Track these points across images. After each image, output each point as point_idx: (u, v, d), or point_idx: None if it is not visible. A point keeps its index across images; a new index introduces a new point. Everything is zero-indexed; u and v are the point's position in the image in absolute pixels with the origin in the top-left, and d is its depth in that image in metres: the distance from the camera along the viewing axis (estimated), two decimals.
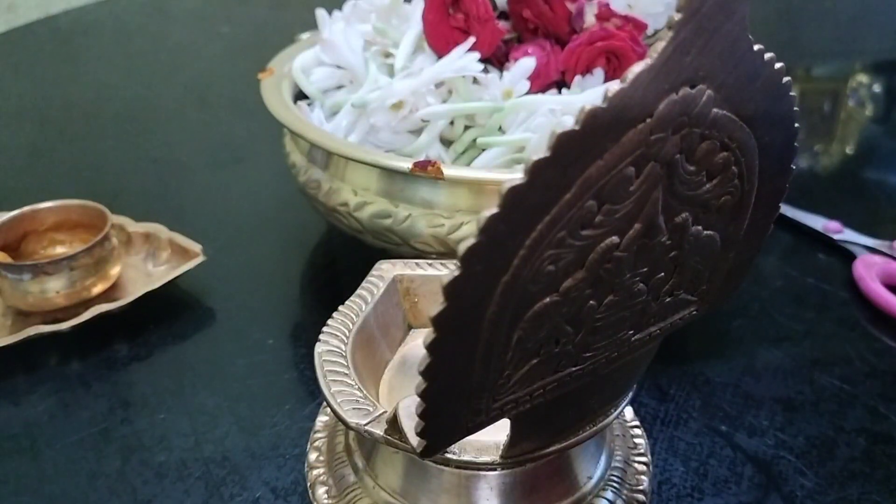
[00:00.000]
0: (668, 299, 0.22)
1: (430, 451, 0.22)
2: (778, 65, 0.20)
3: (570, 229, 0.18)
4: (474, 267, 0.17)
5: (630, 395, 0.26)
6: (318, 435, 0.30)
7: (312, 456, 0.29)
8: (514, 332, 0.19)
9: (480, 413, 0.21)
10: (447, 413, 0.20)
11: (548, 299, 0.19)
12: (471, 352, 0.19)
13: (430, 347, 0.18)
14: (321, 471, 0.29)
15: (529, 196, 0.17)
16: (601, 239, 0.19)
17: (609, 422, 0.25)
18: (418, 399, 0.19)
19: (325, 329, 0.28)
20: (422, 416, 0.20)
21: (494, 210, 0.17)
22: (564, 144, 0.16)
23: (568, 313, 0.20)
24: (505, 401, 0.21)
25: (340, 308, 0.29)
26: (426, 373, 0.19)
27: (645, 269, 0.21)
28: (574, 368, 0.22)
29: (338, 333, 0.28)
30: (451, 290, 0.17)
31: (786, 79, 0.20)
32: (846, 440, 0.34)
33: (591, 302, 0.20)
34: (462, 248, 0.17)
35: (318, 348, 0.27)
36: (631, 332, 0.22)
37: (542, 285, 0.19)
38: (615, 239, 0.19)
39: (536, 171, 0.17)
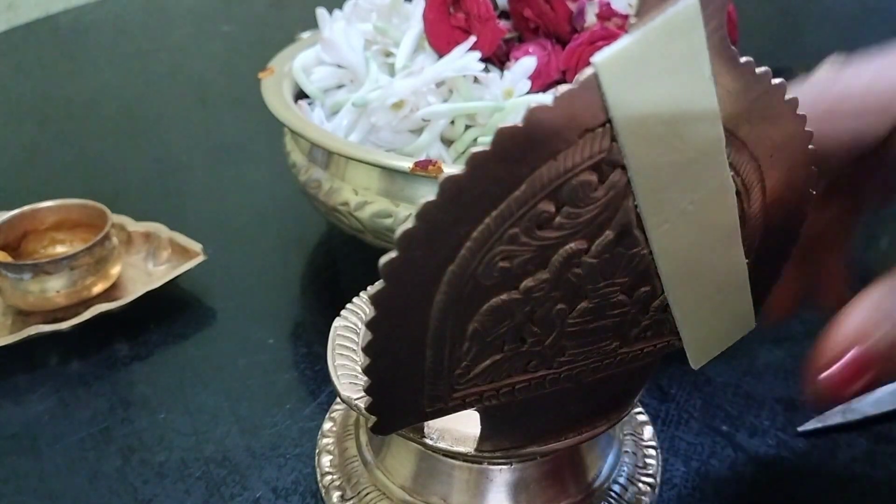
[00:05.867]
0: (661, 315, 0.22)
1: (383, 429, 0.22)
2: (776, 81, 0.20)
3: (523, 227, 0.18)
4: (413, 252, 0.17)
5: (626, 411, 0.25)
6: (326, 441, 0.30)
7: (325, 459, 0.30)
8: (469, 324, 0.19)
9: (440, 400, 0.21)
10: (398, 393, 0.21)
11: (505, 295, 0.19)
12: (418, 336, 0.19)
13: (370, 325, 0.19)
14: (334, 476, 0.29)
15: (470, 188, 0.17)
16: (564, 241, 0.19)
17: (597, 433, 0.25)
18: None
19: (348, 305, 0.29)
20: (368, 391, 0.20)
21: (432, 198, 0.17)
22: (508, 140, 0.17)
23: (533, 313, 0.20)
24: (467, 392, 0.21)
25: (369, 288, 0.29)
26: (367, 349, 0.19)
27: (624, 280, 0.20)
28: (549, 371, 0.22)
29: (359, 311, 0.29)
30: (388, 270, 0.18)
31: (789, 97, 0.20)
32: (847, 440, 0.34)
33: (561, 305, 0.20)
34: (399, 231, 0.17)
35: (336, 322, 0.28)
36: (616, 343, 0.22)
37: (496, 280, 0.19)
38: (582, 244, 0.19)
39: (477, 163, 0.17)
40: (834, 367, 0.20)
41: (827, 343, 0.20)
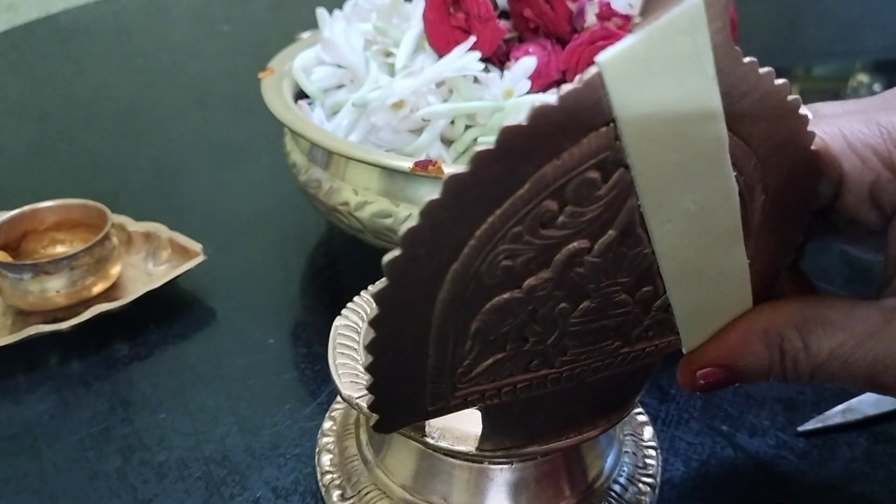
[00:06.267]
0: (662, 315, 0.22)
1: (385, 427, 0.22)
2: (779, 81, 0.19)
3: (527, 226, 0.18)
4: (416, 250, 0.17)
5: (627, 411, 0.26)
6: (327, 440, 0.30)
7: (325, 459, 0.30)
8: (472, 323, 0.19)
9: (442, 398, 0.21)
10: (401, 392, 0.21)
11: (508, 294, 0.19)
12: (421, 334, 0.19)
13: (374, 323, 0.19)
14: (334, 475, 0.29)
15: (474, 187, 0.17)
16: (567, 241, 0.19)
17: (598, 433, 0.25)
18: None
19: (349, 304, 0.29)
20: (370, 390, 0.20)
21: (436, 196, 0.17)
22: (511, 139, 0.17)
23: (535, 312, 0.20)
24: (469, 391, 0.21)
25: (370, 287, 0.29)
26: (370, 347, 0.19)
27: (626, 279, 0.20)
28: (550, 371, 0.22)
29: (359, 310, 0.29)
30: (391, 268, 0.18)
31: (791, 97, 0.20)
32: (847, 440, 0.34)
33: (563, 305, 0.20)
34: (403, 229, 0.17)
35: (337, 322, 0.28)
36: (617, 343, 0.22)
37: (499, 279, 0.19)
38: (585, 243, 0.19)
39: (481, 162, 0.17)
40: (704, 371, 0.24)
41: (714, 351, 0.24)
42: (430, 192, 0.17)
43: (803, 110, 0.20)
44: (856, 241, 0.26)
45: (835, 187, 0.22)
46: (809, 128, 0.21)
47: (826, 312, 0.22)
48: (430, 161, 0.35)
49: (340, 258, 0.48)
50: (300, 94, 0.44)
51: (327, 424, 0.31)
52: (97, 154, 0.60)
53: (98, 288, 0.41)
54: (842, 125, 0.22)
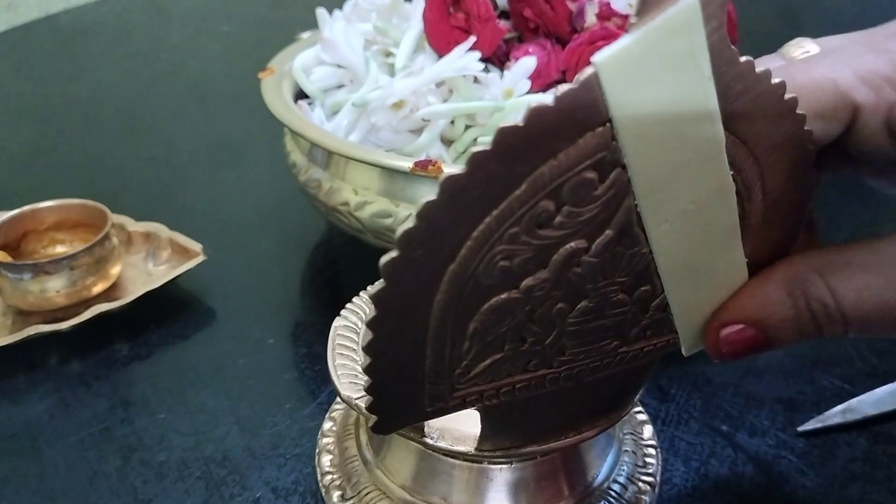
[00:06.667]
0: (660, 314, 0.22)
1: (384, 428, 0.22)
2: (776, 80, 0.19)
3: (524, 227, 0.18)
4: (413, 251, 0.17)
5: (626, 410, 0.26)
6: (327, 440, 0.30)
7: (325, 459, 0.30)
8: (470, 323, 0.19)
9: (440, 399, 0.21)
10: (399, 393, 0.21)
11: (505, 295, 0.19)
12: (419, 336, 0.19)
13: (371, 324, 0.19)
14: (334, 476, 0.29)
15: (470, 188, 0.17)
16: (564, 241, 0.19)
17: (597, 432, 0.25)
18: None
19: (348, 305, 0.29)
20: (369, 391, 0.20)
21: (432, 197, 0.17)
22: (508, 139, 0.17)
23: (533, 312, 0.20)
24: (467, 391, 0.21)
25: (369, 287, 0.29)
26: (368, 349, 0.19)
27: (624, 279, 0.20)
28: (549, 371, 0.22)
29: (358, 311, 0.29)
30: (388, 270, 0.18)
31: (788, 96, 0.20)
32: (847, 440, 0.34)
33: (561, 305, 0.20)
34: (399, 231, 0.17)
35: (336, 322, 0.28)
36: (616, 342, 0.22)
37: (496, 279, 0.19)
38: (582, 243, 0.19)
39: (477, 163, 0.17)
40: (731, 329, 0.22)
41: (734, 306, 0.22)
42: (430, 192, 0.17)
43: (809, 46, 0.20)
44: (876, 173, 0.25)
45: (844, 123, 0.21)
46: (815, 61, 0.20)
47: (849, 254, 0.21)
48: (430, 161, 0.35)
49: (340, 258, 0.48)
50: (300, 94, 0.44)
51: (327, 425, 0.31)
52: (97, 154, 0.60)
53: (98, 288, 0.41)
54: (850, 58, 0.21)
